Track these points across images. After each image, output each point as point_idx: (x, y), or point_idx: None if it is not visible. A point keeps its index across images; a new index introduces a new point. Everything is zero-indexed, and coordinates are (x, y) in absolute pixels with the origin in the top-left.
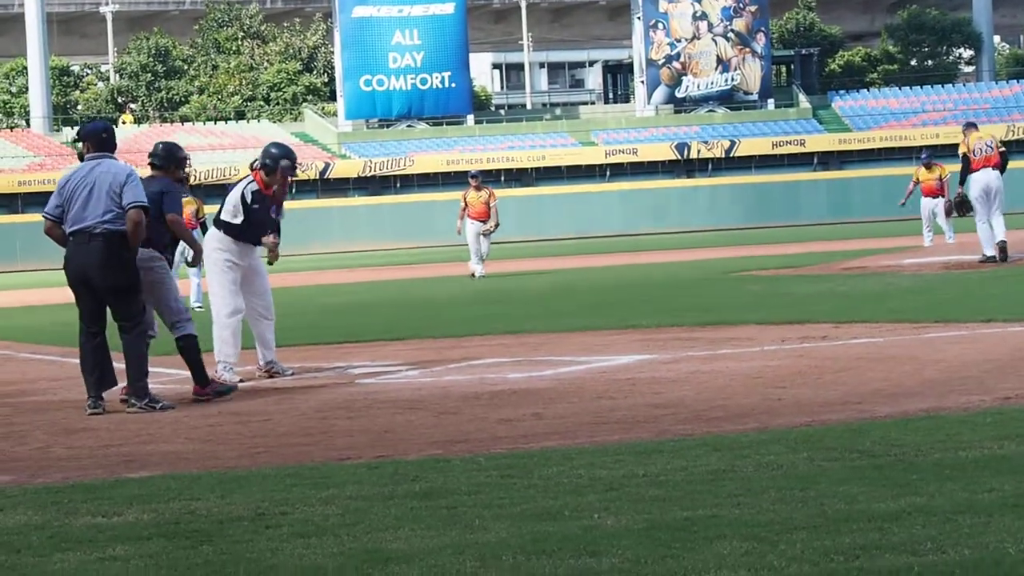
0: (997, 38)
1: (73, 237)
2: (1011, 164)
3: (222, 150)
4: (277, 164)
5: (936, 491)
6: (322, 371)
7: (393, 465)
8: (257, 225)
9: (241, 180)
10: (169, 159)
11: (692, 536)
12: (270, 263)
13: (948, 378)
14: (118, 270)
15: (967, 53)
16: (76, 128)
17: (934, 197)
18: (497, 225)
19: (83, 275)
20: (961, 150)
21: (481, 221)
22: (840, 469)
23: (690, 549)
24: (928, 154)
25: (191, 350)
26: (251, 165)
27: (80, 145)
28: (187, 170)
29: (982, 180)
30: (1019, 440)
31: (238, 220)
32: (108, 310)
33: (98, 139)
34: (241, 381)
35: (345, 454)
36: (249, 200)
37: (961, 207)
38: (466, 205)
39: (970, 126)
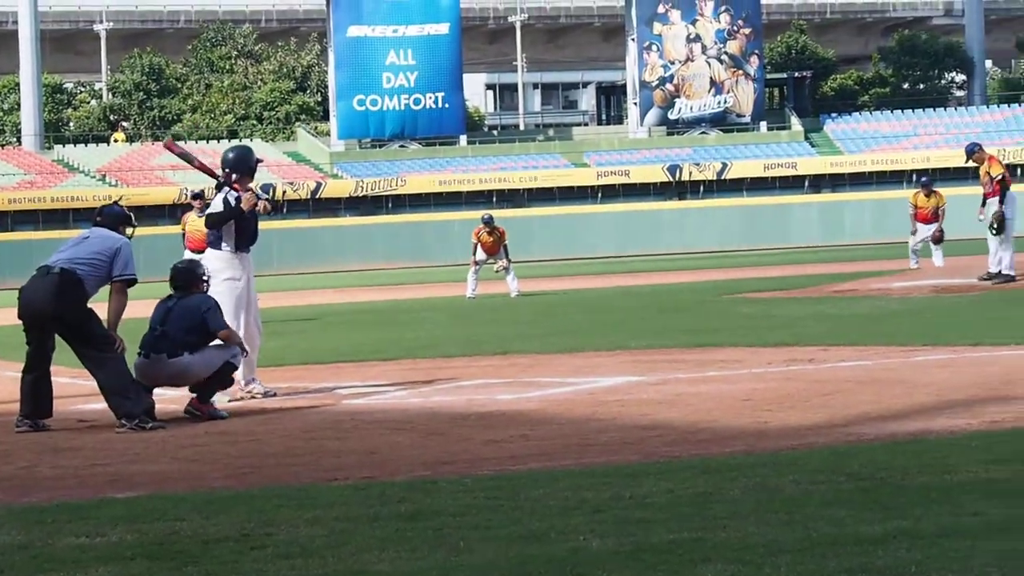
0: (989, 62)
1: (36, 272)
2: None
3: (215, 169)
4: (246, 165)
5: (922, 515)
6: (310, 391)
7: (380, 486)
8: (252, 231)
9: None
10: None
11: (678, 559)
12: (266, 212)
13: (936, 401)
14: (66, 303)
15: (959, 77)
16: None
17: (927, 224)
18: (509, 261)
19: (31, 305)
20: (997, 171)
21: (491, 255)
22: (827, 492)
23: (675, 572)
24: (929, 180)
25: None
26: (221, 184)
27: (99, 218)
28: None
29: (1017, 200)
30: (1006, 464)
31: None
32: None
33: (115, 219)
34: (230, 401)
35: (332, 475)
36: (232, 203)
37: (1001, 226)
38: (478, 242)
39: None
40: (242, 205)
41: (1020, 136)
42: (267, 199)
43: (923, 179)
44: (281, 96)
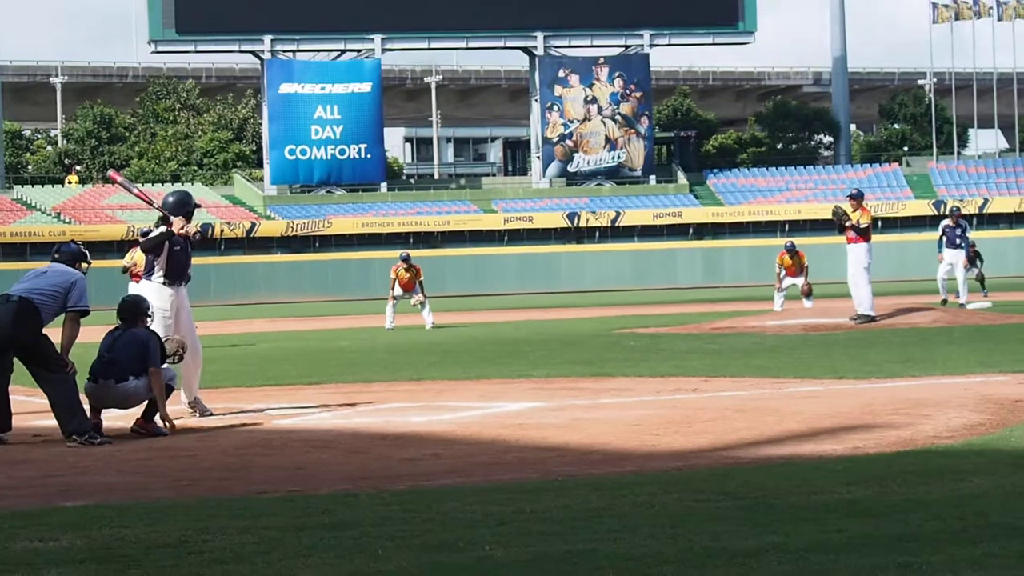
0: (853, 126)
1: None
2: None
3: (159, 210)
4: (183, 209)
5: (792, 531)
6: (243, 411)
7: (305, 499)
8: (183, 265)
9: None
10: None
11: (574, 567)
12: (197, 237)
13: (805, 429)
14: (23, 328)
15: (827, 139)
16: (56, 250)
17: (794, 276)
18: (425, 297)
19: None
20: (867, 220)
21: (407, 291)
22: (707, 509)
23: None
24: (791, 245)
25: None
26: (161, 222)
27: (56, 255)
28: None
29: (873, 249)
30: (866, 486)
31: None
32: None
33: (71, 256)
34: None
35: (262, 488)
36: (169, 244)
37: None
38: (396, 278)
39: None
40: (173, 228)
41: (880, 192)
42: (197, 229)
43: (787, 244)
44: (220, 145)
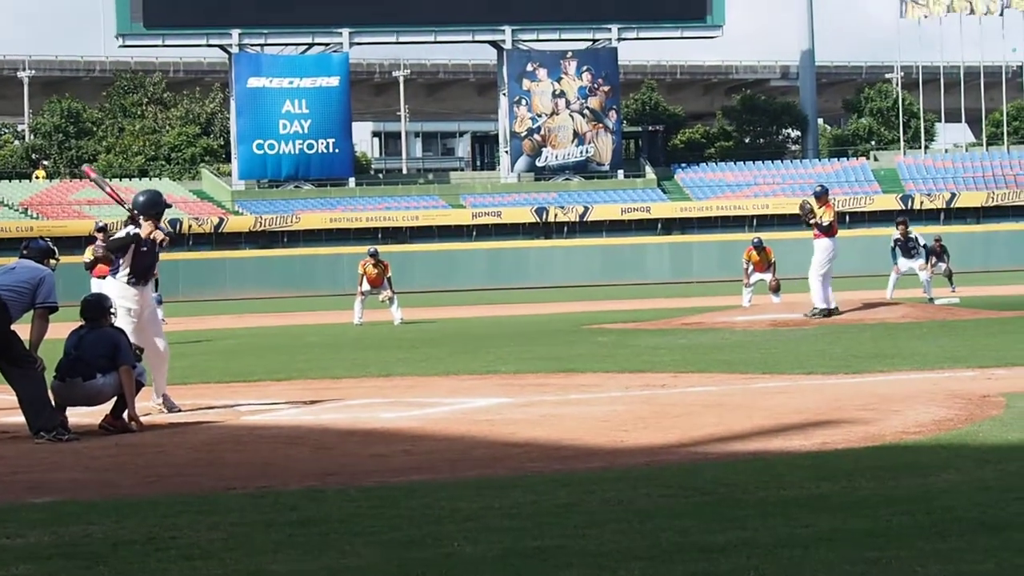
0: (820, 120)
1: None
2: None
3: (128, 211)
4: (153, 208)
5: (760, 526)
6: (212, 407)
7: (274, 495)
8: (149, 266)
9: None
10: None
11: (542, 564)
12: (165, 244)
13: (773, 424)
14: None
15: (794, 133)
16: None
17: (762, 272)
18: (393, 292)
19: None
20: (830, 216)
21: (375, 287)
22: (675, 504)
23: (540, 575)
24: (759, 240)
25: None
26: (132, 220)
27: (24, 251)
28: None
29: (838, 245)
30: (834, 481)
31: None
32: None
33: (39, 253)
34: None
35: (230, 484)
36: (136, 244)
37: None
38: (364, 273)
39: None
40: (141, 232)
41: (848, 187)
42: (165, 232)
43: (754, 240)
44: (187, 140)
